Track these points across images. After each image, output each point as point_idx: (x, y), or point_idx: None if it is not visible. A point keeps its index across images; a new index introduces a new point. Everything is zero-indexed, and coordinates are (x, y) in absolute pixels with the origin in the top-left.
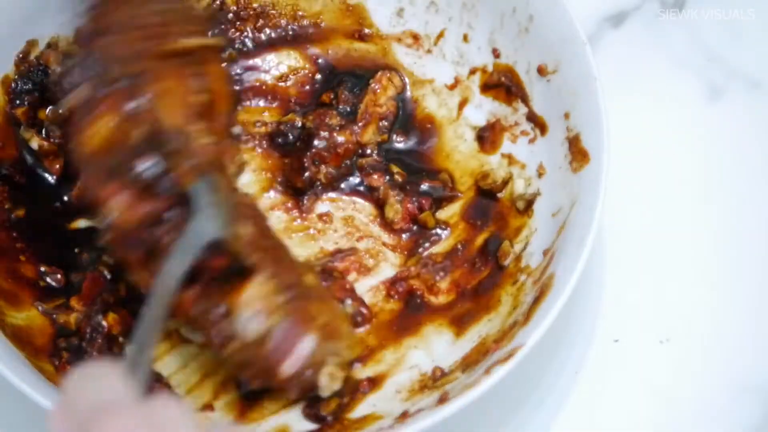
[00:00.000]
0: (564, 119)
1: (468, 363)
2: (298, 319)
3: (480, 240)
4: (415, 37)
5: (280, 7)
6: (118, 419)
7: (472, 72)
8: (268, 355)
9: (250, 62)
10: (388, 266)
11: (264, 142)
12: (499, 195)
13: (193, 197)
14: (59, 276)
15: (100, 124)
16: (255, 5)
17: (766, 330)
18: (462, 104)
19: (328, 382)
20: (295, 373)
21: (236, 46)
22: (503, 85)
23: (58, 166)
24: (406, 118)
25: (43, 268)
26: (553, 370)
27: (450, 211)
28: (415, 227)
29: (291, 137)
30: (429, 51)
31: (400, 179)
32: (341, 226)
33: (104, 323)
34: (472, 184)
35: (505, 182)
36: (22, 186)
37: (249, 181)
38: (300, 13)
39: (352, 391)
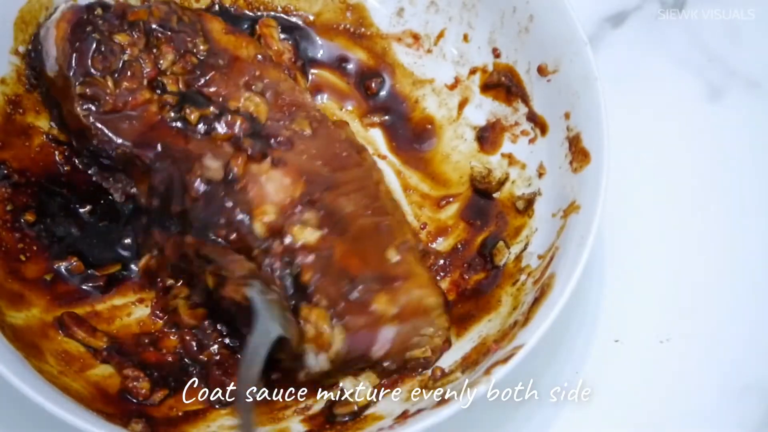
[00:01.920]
0: (564, 119)
1: (468, 363)
2: (358, 329)
3: (479, 240)
4: (415, 37)
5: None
6: None
7: (473, 72)
8: (351, 355)
9: None
10: None
11: None
12: (495, 195)
13: (251, 301)
14: (74, 262)
15: None
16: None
17: (766, 330)
18: (462, 104)
19: (355, 396)
20: (388, 352)
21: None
22: (503, 85)
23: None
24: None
25: (57, 264)
26: (553, 370)
27: (449, 212)
28: None
29: None
30: (429, 51)
31: None
32: None
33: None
34: (469, 185)
35: (501, 182)
36: (27, 185)
37: None
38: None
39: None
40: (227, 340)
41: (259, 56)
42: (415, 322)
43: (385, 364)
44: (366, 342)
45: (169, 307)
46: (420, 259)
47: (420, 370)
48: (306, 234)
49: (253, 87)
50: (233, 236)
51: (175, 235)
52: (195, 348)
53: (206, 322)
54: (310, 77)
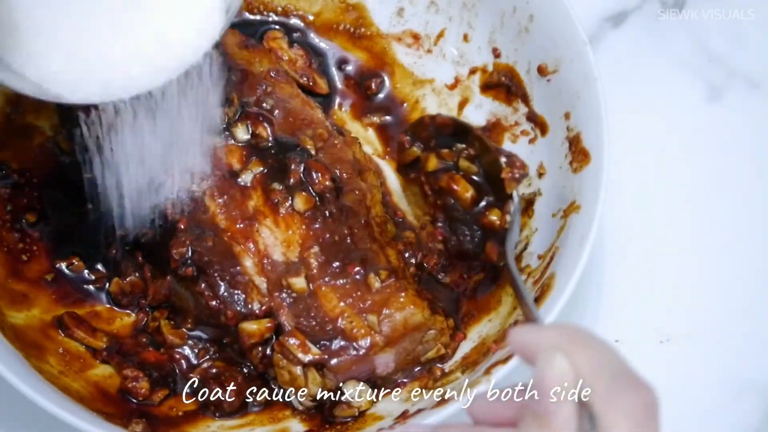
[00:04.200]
0: (564, 119)
1: (468, 363)
2: (350, 366)
3: None
4: (415, 37)
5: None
6: None
7: (473, 72)
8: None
9: None
10: None
11: None
12: None
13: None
14: (75, 262)
15: None
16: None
17: (766, 330)
18: (462, 104)
19: (355, 397)
20: (394, 369)
21: None
22: (503, 85)
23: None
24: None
25: (58, 264)
26: None
27: None
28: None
29: None
30: (429, 51)
31: None
32: None
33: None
34: None
35: None
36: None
37: None
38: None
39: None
40: (216, 355)
41: (272, 72)
42: (409, 339)
43: (396, 377)
44: (364, 370)
45: (150, 327)
46: (402, 274)
47: (445, 362)
48: (295, 283)
49: (264, 104)
50: (229, 312)
51: (158, 273)
52: (185, 367)
53: (191, 341)
54: (337, 80)
